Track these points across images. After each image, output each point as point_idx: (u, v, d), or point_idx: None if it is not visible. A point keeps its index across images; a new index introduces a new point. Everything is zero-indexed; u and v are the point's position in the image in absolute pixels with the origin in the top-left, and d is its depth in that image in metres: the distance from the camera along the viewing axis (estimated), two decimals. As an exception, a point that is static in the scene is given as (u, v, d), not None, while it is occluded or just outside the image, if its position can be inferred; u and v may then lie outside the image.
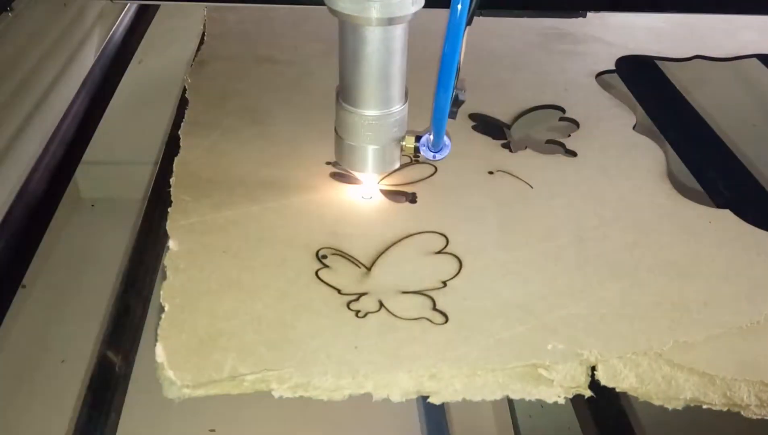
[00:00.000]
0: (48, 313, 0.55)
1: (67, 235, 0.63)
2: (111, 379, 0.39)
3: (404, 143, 0.46)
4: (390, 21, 0.39)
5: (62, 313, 0.55)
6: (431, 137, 0.45)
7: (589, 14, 0.83)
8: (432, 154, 0.46)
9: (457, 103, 0.42)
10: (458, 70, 0.40)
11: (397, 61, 0.42)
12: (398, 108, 0.44)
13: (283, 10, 0.78)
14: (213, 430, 0.51)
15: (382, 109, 0.44)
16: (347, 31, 0.41)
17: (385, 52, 0.41)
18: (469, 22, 0.37)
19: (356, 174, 0.50)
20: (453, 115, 0.43)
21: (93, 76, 0.69)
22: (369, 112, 0.44)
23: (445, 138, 0.45)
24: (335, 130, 0.46)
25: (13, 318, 0.44)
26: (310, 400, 0.37)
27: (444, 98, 0.40)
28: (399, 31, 0.41)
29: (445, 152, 0.46)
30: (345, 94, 0.44)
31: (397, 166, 0.48)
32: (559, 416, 0.52)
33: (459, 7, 0.36)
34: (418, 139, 0.46)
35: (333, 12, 0.40)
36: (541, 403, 0.38)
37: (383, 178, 0.52)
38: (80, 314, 0.53)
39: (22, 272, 0.47)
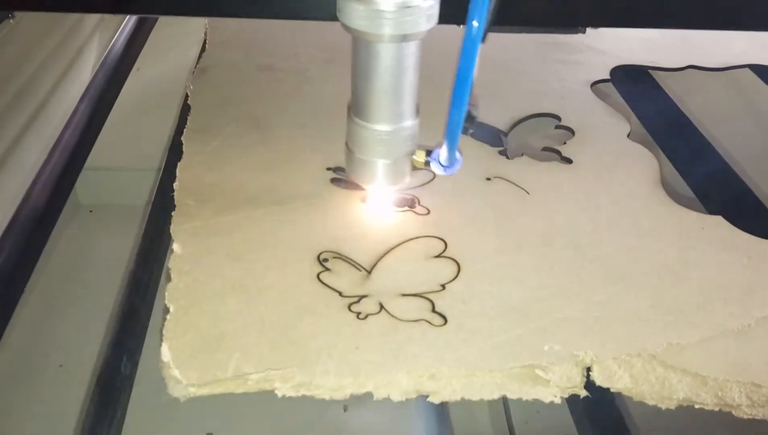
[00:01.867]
0: (50, 318, 0.55)
1: (69, 241, 0.64)
2: (117, 379, 0.39)
3: (415, 157, 0.46)
4: (403, 38, 0.39)
5: (64, 317, 0.55)
6: (443, 152, 0.45)
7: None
8: (443, 169, 0.46)
9: (470, 119, 0.42)
10: (472, 86, 0.40)
11: (410, 77, 0.42)
12: (410, 123, 0.44)
13: (282, 20, 0.79)
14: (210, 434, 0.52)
15: (393, 124, 0.44)
16: (360, 47, 0.41)
17: (397, 69, 0.41)
18: (483, 40, 0.37)
19: (366, 188, 0.50)
20: (465, 130, 0.43)
21: (95, 83, 0.70)
22: (380, 126, 0.44)
23: (457, 153, 0.45)
24: (346, 144, 0.46)
25: (15, 322, 0.45)
26: (308, 403, 0.38)
27: (458, 115, 0.40)
28: (412, 48, 0.41)
29: (457, 168, 0.46)
30: (357, 108, 0.44)
31: (408, 180, 0.47)
32: (555, 423, 0.53)
33: (475, 24, 0.36)
34: (429, 153, 0.46)
35: (346, 28, 0.40)
36: (537, 409, 0.39)
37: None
38: (82, 319, 0.54)
39: (26, 278, 0.48)
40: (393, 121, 0.43)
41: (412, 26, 0.39)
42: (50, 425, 0.48)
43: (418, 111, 0.45)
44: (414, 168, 0.47)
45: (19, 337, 0.53)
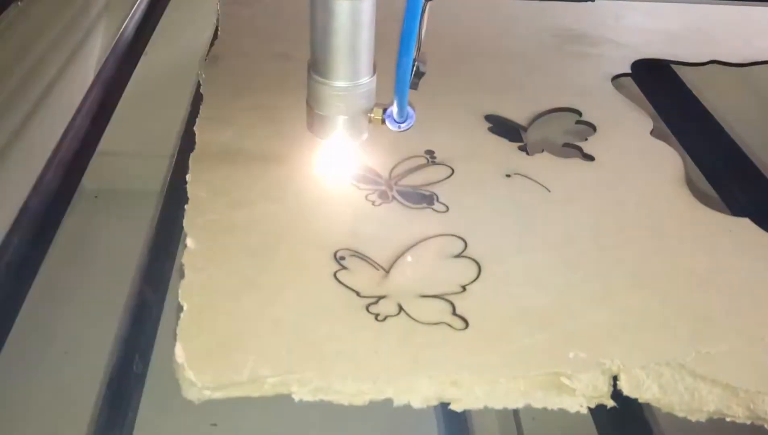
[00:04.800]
0: (60, 305, 0.54)
1: (77, 227, 0.63)
2: (129, 379, 0.38)
3: (372, 115, 0.47)
4: None
5: (75, 305, 0.54)
6: (394, 108, 0.46)
7: (603, 12, 0.83)
8: (397, 124, 0.47)
9: (418, 74, 0.45)
10: (420, 42, 0.43)
11: (365, 35, 0.44)
12: (366, 80, 0.46)
13: (296, 6, 0.78)
14: (215, 424, 0.51)
15: (351, 80, 0.45)
16: (317, 5, 0.43)
17: (353, 26, 0.43)
18: None
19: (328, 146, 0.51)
20: (414, 85, 0.45)
21: (106, 67, 0.68)
22: (338, 83, 0.45)
23: (409, 108, 0.47)
24: (307, 101, 0.48)
25: (25, 310, 0.44)
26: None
27: (405, 68, 0.42)
28: (366, 5, 0.42)
29: (410, 123, 0.47)
30: (316, 65, 0.46)
31: (365, 136, 0.49)
32: (562, 420, 0.52)
33: None
34: (384, 111, 0.47)
35: None
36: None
37: (402, 179, 0.52)
38: (93, 308, 0.53)
39: (38, 264, 0.47)
40: (350, 77, 0.45)
41: None
42: (56, 412, 0.47)
43: (374, 69, 0.46)
44: (371, 123, 0.48)
45: (24, 323, 0.52)
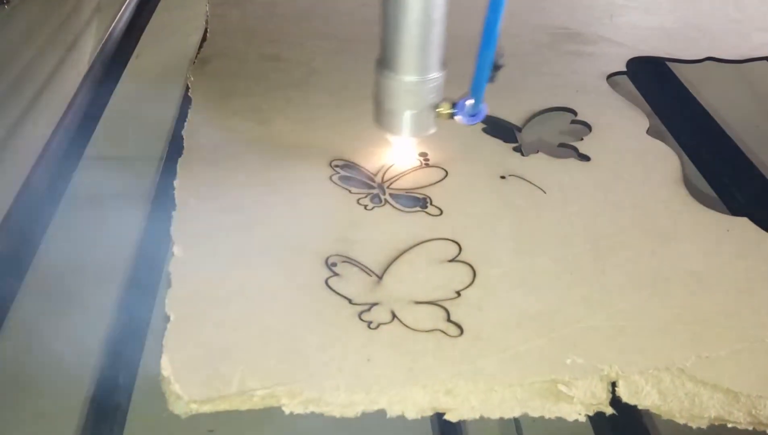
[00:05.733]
0: (47, 309, 0.53)
1: (68, 231, 0.61)
2: (114, 392, 0.37)
3: (440, 109, 0.48)
4: None
5: (63, 309, 0.53)
6: (468, 102, 0.47)
7: (597, 10, 0.82)
8: (468, 118, 0.48)
9: (496, 66, 0.44)
10: (498, 35, 0.43)
11: (437, 29, 0.44)
12: (436, 75, 0.46)
13: (287, 7, 0.77)
14: (212, 431, 0.50)
15: (421, 75, 0.46)
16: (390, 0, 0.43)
17: (425, 21, 0.43)
18: None
19: (392, 139, 0.52)
20: (492, 78, 0.45)
21: (95, 69, 0.68)
22: (408, 77, 0.46)
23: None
24: (374, 96, 0.49)
25: (14, 313, 0.43)
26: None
27: (485, 62, 0.43)
28: (440, 1, 0.43)
29: (481, 116, 0.48)
30: (386, 60, 0.46)
31: (433, 131, 0.50)
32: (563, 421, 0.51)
33: None
34: (453, 105, 0.48)
35: None
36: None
37: (395, 182, 0.51)
38: (81, 312, 0.52)
39: (26, 266, 0.46)
40: (420, 72, 0.46)
41: None
42: (40, 425, 0.46)
43: (444, 63, 0.47)
44: (438, 118, 0.49)
45: (7, 332, 0.51)
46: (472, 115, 0.48)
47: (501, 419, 0.37)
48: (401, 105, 0.47)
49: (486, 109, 0.48)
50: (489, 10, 0.41)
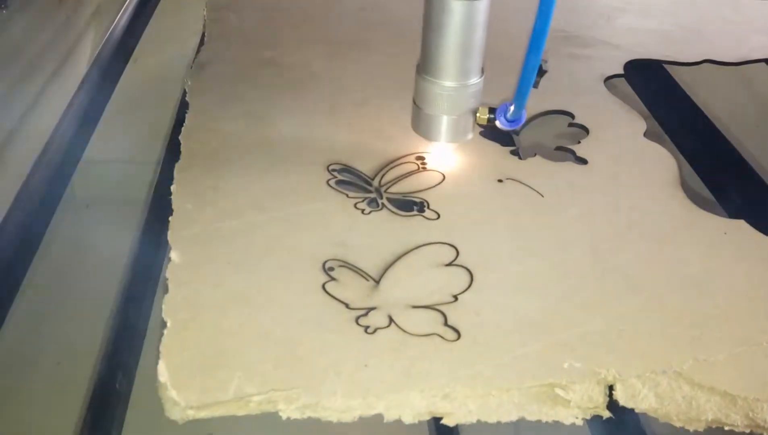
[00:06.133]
0: (46, 316, 0.53)
1: (66, 235, 0.61)
2: (111, 398, 0.37)
3: (479, 114, 0.48)
4: None
5: (60, 316, 0.53)
6: (511, 107, 0.46)
7: (594, 13, 0.82)
8: (508, 123, 0.48)
9: (540, 72, 0.44)
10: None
11: (479, 35, 0.45)
12: (476, 80, 0.47)
13: (285, 12, 0.77)
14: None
15: (461, 80, 0.46)
16: (433, 3, 0.43)
17: (467, 26, 0.44)
18: None
19: (432, 143, 0.52)
20: (536, 84, 0.45)
21: (92, 74, 0.68)
22: (448, 82, 0.46)
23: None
24: (413, 100, 0.49)
25: (11, 320, 0.43)
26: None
27: (532, 67, 0.42)
28: (482, 6, 0.43)
29: (521, 122, 0.48)
30: (426, 64, 0.46)
31: (470, 137, 0.50)
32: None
33: None
34: (492, 111, 0.48)
35: None
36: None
37: (392, 186, 0.51)
38: (79, 319, 0.52)
39: (22, 274, 0.46)
40: (461, 77, 0.46)
41: None
42: (37, 431, 0.46)
43: (483, 69, 0.47)
44: (477, 123, 0.49)
45: (14, 332, 0.51)
46: (512, 121, 0.48)
47: (499, 423, 0.37)
48: (441, 110, 0.48)
49: (525, 116, 0.48)
50: (538, 15, 0.40)
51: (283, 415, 0.35)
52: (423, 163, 0.54)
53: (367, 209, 0.49)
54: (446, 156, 0.54)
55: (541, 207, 0.50)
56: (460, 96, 0.47)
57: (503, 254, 0.46)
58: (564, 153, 0.57)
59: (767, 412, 0.37)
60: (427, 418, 0.36)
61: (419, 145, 0.54)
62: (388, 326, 0.40)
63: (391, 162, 0.53)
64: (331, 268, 0.43)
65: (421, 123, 0.49)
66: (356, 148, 0.55)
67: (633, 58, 0.72)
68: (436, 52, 0.45)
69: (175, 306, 0.40)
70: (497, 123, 0.48)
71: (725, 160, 0.60)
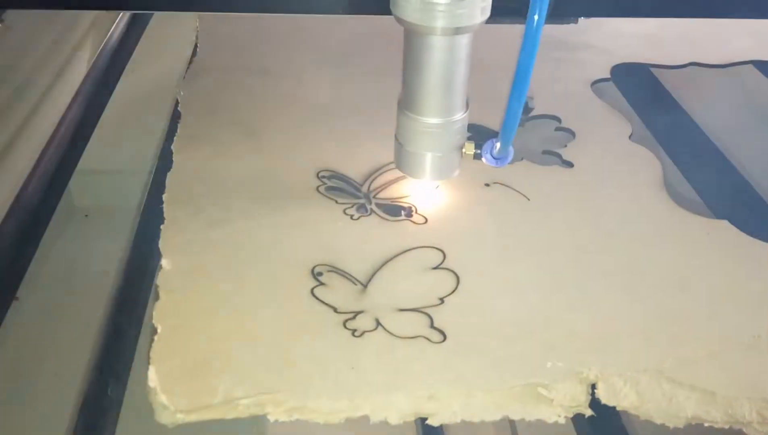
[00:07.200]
0: (41, 324, 0.54)
1: (63, 245, 0.62)
2: (104, 402, 0.38)
3: (464, 150, 0.46)
4: (456, 31, 0.40)
5: (55, 324, 0.54)
6: (497, 144, 0.45)
7: (582, 20, 0.83)
8: (495, 161, 0.46)
9: (526, 110, 0.42)
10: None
11: (461, 70, 0.43)
12: (460, 116, 0.45)
13: (276, 22, 0.78)
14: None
15: (444, 117, 0.44)
16: (413, 40, 0.42)
17: (450, 62, 0.42)
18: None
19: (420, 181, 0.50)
20: (521, 122, 0.44)
21: (86, 85, 0.68)
22: (431, 119, 0.44)
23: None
24: (395, 137, 0.47)
25: (5, 329, 0.44)
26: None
27: (517, 106, 0.40)
28: (465, 41, 0.41)
29: (508, 160, 0.46)
30: (408, 101, 0.44)
31: (457, 174, 0.48)
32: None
33: (536, 17, 0.37)
34: (478, 146, 0.46)
35: (399, 20, 0.40)
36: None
37: (381, 192, 0.51)
38: (73, 327, 0.52)
39: (17, 283, 0.46)
40: (444, 114, 0.44)
41: (466, 19, 0.39)
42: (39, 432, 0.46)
43: (467, 104, 0.45)
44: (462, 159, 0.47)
45: (10, 342, 0.52)
46: (498, 159, 0.46)
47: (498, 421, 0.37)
48: (425, 147, 0.45)
49: (513, 153, 0.46)
50: (522, 52, 0.38)
51: (271, 418, 0.36)
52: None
53: (356, 215, 0.50)
54: (431, 194, 0.52)
55: (527, 210, 0.51)
56: (444, 133, 0.45)
57: (489, 257, 0.47)
58: (551, 157, 0.58)
59: (746, 408, 0.38)
60: (413, 419, 0.37)
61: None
62: (375, 329, 0.41)
63: (380, 168, 0.54)
64: (320, 273, 0.44)
65: (404, 160, 0.47)
66: (346, 155, 0.56)
67: (620, 61, 0.73)
68: (418, 89, 0.43)
69: (165, 312, 0.40)
70: (483, 160, 0.46)
71: (710, 161, 0.60)
